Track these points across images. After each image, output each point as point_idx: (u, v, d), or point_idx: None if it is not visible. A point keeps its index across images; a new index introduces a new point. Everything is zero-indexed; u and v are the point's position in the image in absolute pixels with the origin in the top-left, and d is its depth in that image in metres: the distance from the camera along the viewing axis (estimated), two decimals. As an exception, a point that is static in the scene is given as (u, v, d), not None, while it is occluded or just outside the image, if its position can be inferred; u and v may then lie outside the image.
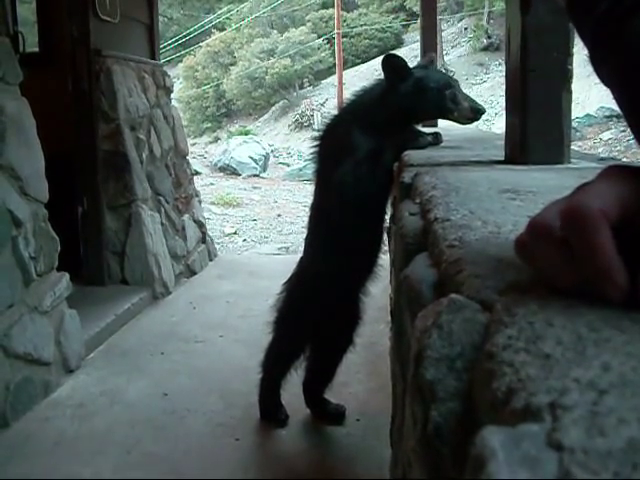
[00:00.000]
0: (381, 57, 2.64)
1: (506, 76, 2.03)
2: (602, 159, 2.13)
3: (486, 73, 24.47)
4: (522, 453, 0.30)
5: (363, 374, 3.64)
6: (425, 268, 0.81)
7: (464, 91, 2.67)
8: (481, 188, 1.23)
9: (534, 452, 0.31)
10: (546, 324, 0.47)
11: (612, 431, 0.31)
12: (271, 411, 3.17)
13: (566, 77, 1.80)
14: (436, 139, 2.57)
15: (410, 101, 2.55)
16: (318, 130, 2.80)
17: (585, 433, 0.32)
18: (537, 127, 1.81)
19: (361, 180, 2.49)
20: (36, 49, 5.64)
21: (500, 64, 22.68)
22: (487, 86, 23.23)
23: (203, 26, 31.33)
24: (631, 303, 0.49)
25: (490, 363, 0.45)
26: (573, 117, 2.18)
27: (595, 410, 0.34)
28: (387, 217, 2.82)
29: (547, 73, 1.81)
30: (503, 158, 1.97)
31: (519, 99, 1.85)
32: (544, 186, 1.28)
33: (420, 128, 2.74)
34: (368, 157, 2.49)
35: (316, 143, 2.74)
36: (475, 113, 2.57)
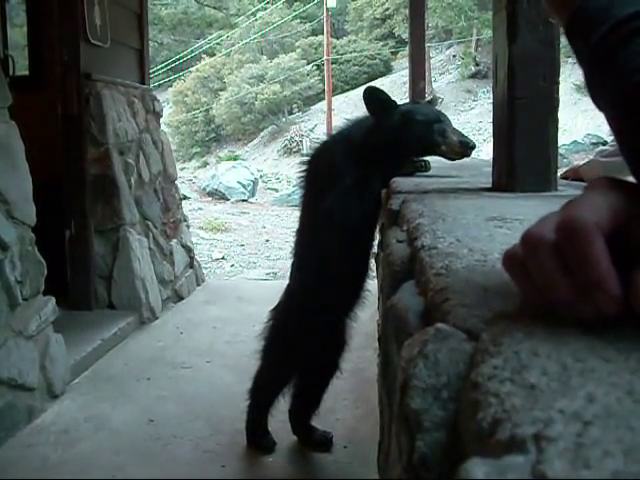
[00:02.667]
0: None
1: (493, 104, 2.05)
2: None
3: (474, 100, 24.69)
4: (506, 485, 0.30)
5: (350, 401, 3.63)
6: (412, 296, 0.81)
7: (452, 121, 2.65)
8: (468, 216, 1.24)
9: (518, 484, 0.31)
10: (531, 353, 0.47)
11: (597, 463, 0.31)
12: (258, 438, 3.15)
13: (552, 106, 1.82)
14: (424, 166, 2.58)
15: (396, 137, 2.50)
16: (306, 156, 2.80)
17: (570, 465, 0.32)
18: (524, 155, 1.82)
19: (348, 207, 2.49)
20: (26, 72, 5.65)
21: (488, 91, 22.91)
22: (475, 112, 23.43)
23: (193, 51, 31.51)
24: (625, 313, 0.50)
25: (475, 393, 0.45)
26: (560, 144, 2.20)
27: (580, 442, 0.34)
28: (375, 243, 2.83)
29: (534, 102, 1.83)
30: (490, 185, 1.98)
31: (506, 127, 1.86)
32: (531, 214, 1.29)
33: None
34: (355, 185, 2.49)
35: (303, 169, 2.75)
36: (465, 148, 2.49)
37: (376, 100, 2.55)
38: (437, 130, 2.48)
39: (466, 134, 2.67)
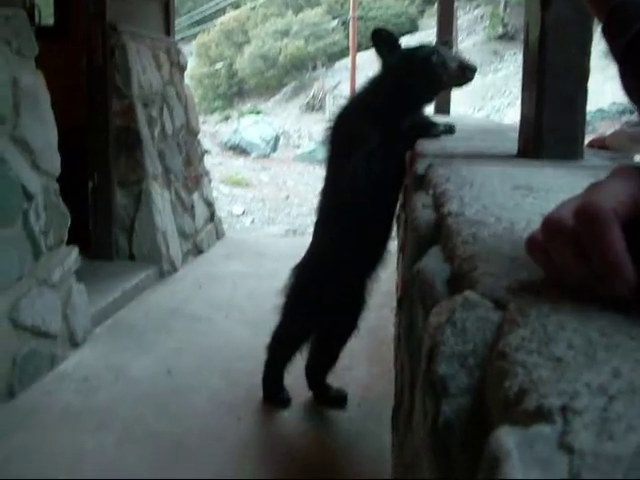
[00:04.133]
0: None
1: (523, 71, 2.02)
2: (614, 157, 2.13)
3: (500, 62, 24.32)
4: (535, 454, 0.32)
5: (366, 359, 3.66)
6: (438, 263, 0.83)
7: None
8: (495, 183, 1.24)
9: (547, 454, 0.32)
10: (558, 327, 0.48)
11: (621, 437, 0.33)
12: (274, 393, 3.20)
13: (583, 74, 1.80)
14: (449, 129, 2.57)
15: (401, 77, 2.53)
16: (331, 118, 2.80)
17: (595, 437, 0.33)
18: (552, 123, 1.81)
19: (373, 169, 2.49)
20: (51, 22, 5.64)
21: (515, 53, 22.53)
22: (501, 75, 23.10)
23: (218, 4, 31.17)
24: (639, 298, 0.51)
25: (503, 362, 0.46)
26: (587, 110, 2.17)
27: (605, 415, 0.35)
28: (398, 205, 2.84)
29: (565, 69, 1.81)
30: (516, 151, 1.97)
31: (535, 93, 1.85)
32: (557, 184, 1.29)
33: (433, 118, 2.74)
34: (380, 147, 2.49)
35: (329, 131, 2.75)
36: (464, 72, 2.50)
37: (382, 41, 2.58)
38: (436, 62, 2.48)
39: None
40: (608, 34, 0.69)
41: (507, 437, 0.34)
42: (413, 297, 0.89)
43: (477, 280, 0.64)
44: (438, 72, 2.49)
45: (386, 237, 2.79)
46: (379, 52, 2.58)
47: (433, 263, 0.83)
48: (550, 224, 0.55)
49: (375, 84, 2.65)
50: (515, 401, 0.41)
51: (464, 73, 2.50)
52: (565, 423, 0.35)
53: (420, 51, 2.55)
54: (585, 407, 0.36)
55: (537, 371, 0.42)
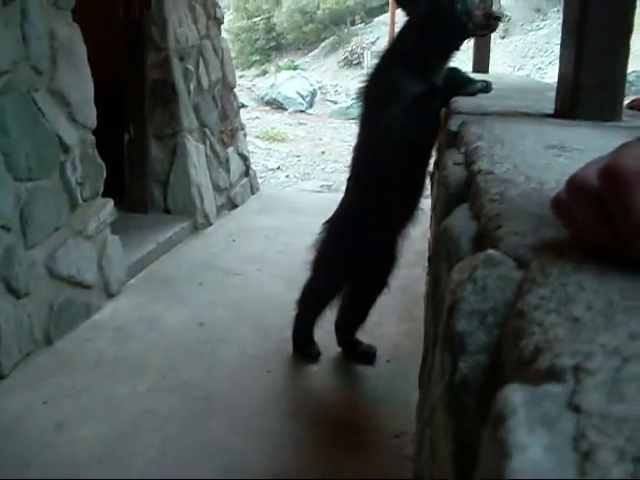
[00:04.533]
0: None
1: (563, 26, 1.97)
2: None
3: (543, 20, 23.73)
4: (541, 413, 0.32)
5: (396, 317, 3.67)
6: (465, 220, 0.82)
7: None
8: (527, 142, 1.22)
9: (553, 412, 0.32)
10: (578, 287, 0.48)
11: (631, 399, 0.33)
12: (304, 347, 3.23)
13: (626, 31, 1.74)
14: (486, 87, 2.53)
15: (426, 27, 2.53)
16: (365, 72, 2.79)
17: (604, 398, 0.33)
18: (590, 81, 1.76)
19: (407, 125, 2.48)
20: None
21: (559, 11, 21.92)
22: (543, 33, 22.57)
23: (257, -45, 30.75)
24: None
25: (520, 321, 0.46)
26: (630, 70, 2.12)
27: (617, 377, 0.35)
28: (431, 162, 2.82)
29: (606, 25, 1.76)
30: (553, 111, 1.94)
31: (574, 50, 1.80)
32: (592, 144, 1.27)
33: (471, 75, 2.70)
34: (414, 101, 2.47)
35: (362, 86, 2.74)
36: (490, 20, 2.52)
37: None
38: (461, 10, 2.48)
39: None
40: None
41: (514, 394, 0.34)
42: (439, 254, 0.89)
43: (501, 238, 0.64)
44: (462, 20, 2.49)
45: (417, 194, 2.78)
46: (402, 5, 2.60)
47: (460, 220, 0.83)
48: (574, 184, 0.55)
49: (402, 38, 2.66)
50: (530, 360, 0.40)
51: (488, 21, 2.52)
52: (576, 383, 0.35)
53: (443, 1, 2.53)
54: (598, 368, 0.36)
55: (554, 330, 0.42)
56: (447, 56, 2.62)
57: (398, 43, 2.68)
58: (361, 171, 2.84)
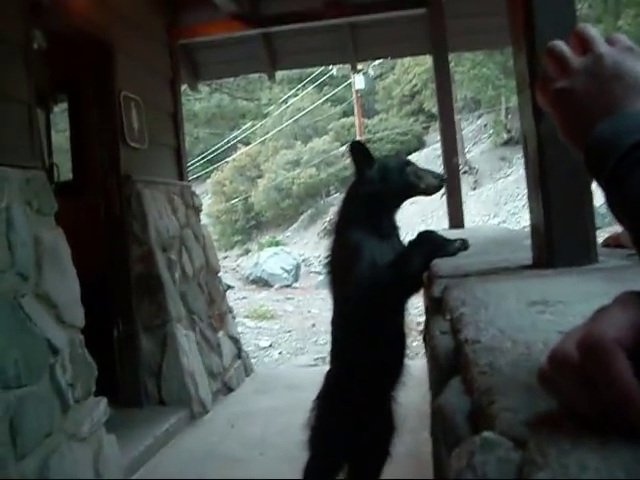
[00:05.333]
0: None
1: (527, 180, 2.04)
2: (630, 255, 2.11)
3: (509, 167, 24.63)
4: None
5: (407, 485, 3.53)
6: (458, 396, 0.81)
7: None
8: (510, 301, 1.23)
9: None
10: (580, 467, 0.46)
11: None
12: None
13: (586, 181, 1.81)
14: (463, 245, 2.59)
15: (378, 186, 2.68)
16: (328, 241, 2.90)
17: None
18: (561, 231, 1.81)
19: (377, 286, 2.50)
20: (70, 177, 5.83)
21: (523, 157, 22.80)
22: (512, 179, 23.35)
23: (229, 142, 32.15)
24: None
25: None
26: (599, 203, 2.17)
27: None
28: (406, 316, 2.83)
29: (566, 176, 1.82)
30: (531, 262, 1.96)
31: (541, 203, 1.86)
32: (573, 293, 1.28)
33: (445, 235, 2.76)
34: (389, 268, 2.52)
35: (326, 258, 2.83)
36: (440, 182, 2.81)
37: (358, 154, 2.75)
38: (410, 172, 2.73)
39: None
40: (589, 168, 0.73)
41: None
42: (437, 433, 0.87)
43: (496, 416, 0.62)
44: (414, 181, 2.73)
45: (398, 354, 2.76)
46: (355, 164, 2.75)
47: (453, 397, 0.82)
48: (555, 359, 0.55)
49: (351, 193, 2.81)
50: None
51: (438, 181, 2.79)
52: None
53: (394, 162, 2.82)
54: None
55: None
56: (393, 210, 2.79)
57: (348, 201, 2.81)
58: (337, 340, 2.86)
